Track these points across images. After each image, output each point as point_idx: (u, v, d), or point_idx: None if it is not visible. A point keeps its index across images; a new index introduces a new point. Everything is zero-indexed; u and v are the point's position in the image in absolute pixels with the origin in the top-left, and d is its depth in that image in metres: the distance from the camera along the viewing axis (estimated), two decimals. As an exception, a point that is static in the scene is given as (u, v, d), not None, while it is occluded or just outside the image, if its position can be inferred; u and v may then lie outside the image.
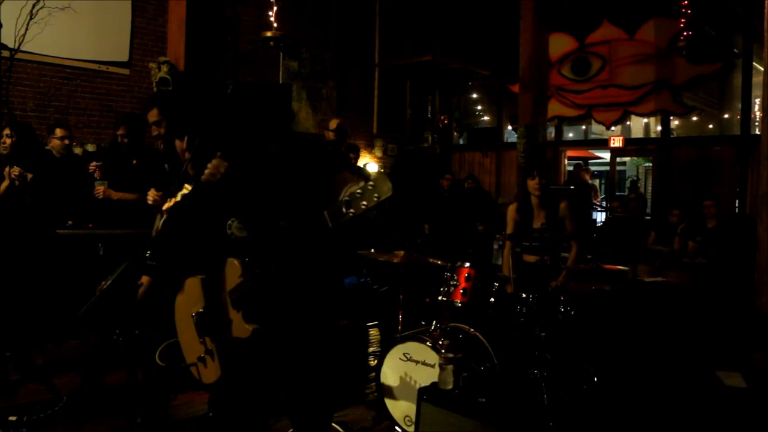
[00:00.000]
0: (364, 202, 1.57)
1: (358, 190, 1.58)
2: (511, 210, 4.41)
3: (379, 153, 10.09)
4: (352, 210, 1.58)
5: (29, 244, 4.19)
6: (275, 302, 1.93)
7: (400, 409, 3.29)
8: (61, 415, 3.37)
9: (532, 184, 4.16)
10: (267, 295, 1.90)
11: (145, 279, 2.56)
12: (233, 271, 1.94)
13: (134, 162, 4.41)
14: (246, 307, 1.91)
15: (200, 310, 2.05)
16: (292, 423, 2.19)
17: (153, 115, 3.21)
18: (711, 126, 10.36)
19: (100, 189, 4.34)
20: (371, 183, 1.58)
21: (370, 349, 4.83)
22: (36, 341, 4.43)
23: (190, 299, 2.09)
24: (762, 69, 7.80)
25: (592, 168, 13.94)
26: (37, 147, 4.66)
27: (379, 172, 1.76)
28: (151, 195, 3.17)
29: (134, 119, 4.52)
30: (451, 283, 3.60)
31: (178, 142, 2.22)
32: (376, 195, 1.56)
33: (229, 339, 1.95)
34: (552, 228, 3.91)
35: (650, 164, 10.55)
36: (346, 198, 1.59)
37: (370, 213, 1.62)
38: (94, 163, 4.48)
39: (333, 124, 4.39)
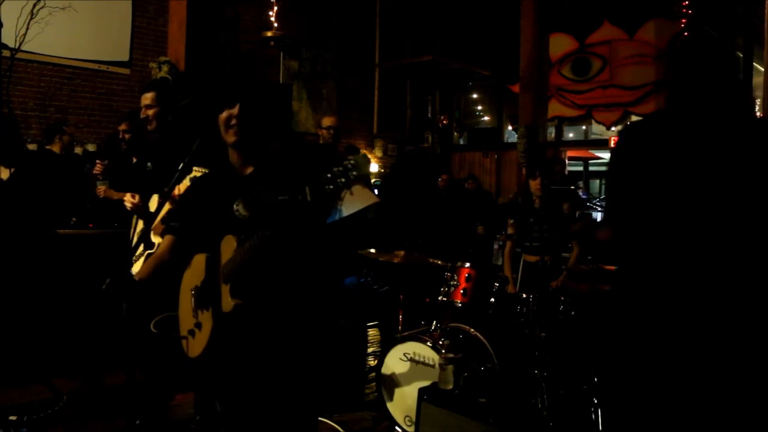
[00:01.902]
0: (342, 179, 1.65)
1: (339, 168, 1.66)
2: None
3: (379, 153, 10.09)
4: (330, 186, 1.66)
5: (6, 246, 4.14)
6: (258, 279, 1.96)
7: (400, 409, 3.29)
8: (62, 414, 3.37)
9: (534, 184, 4.17)
10: (251, 270, 1.93)
11: (167, 238, 2.60)
12: (229, 246, 2.00)
13: (134, 161, 4.41)
14: (232, 282, 1.95)
15: (198, 284, 2.11)
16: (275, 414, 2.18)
17: (148, 98, 3.16)
18: (711, 126, 10.37)
19: (101, 189, 4.33)
20: (352, 161, 1.66)
21: (370, 349, 4.83)
22: (36, 341, 4.43)
23: (194, 275, 2.15)
24: (762, 70, 7.80)
25: (593, 168, 13.93)
26: (19, 144, 4.60)
27: (362, 154, 1.83)
28: (128, 201, 3.11)
29: (138, 117, 4.51)
30: (452, 283, 3.60)
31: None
32: (354, 173, 1.66)
33: (219, 313, 2.00)
34: (554, 228, 3.92)
35: (650, 164, 10.53)
36: (328, 175, 1.67)
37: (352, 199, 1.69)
38: (99, 163, 4.48)
39: (326, 121, 4.37)
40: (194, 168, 2.64)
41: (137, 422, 3.13)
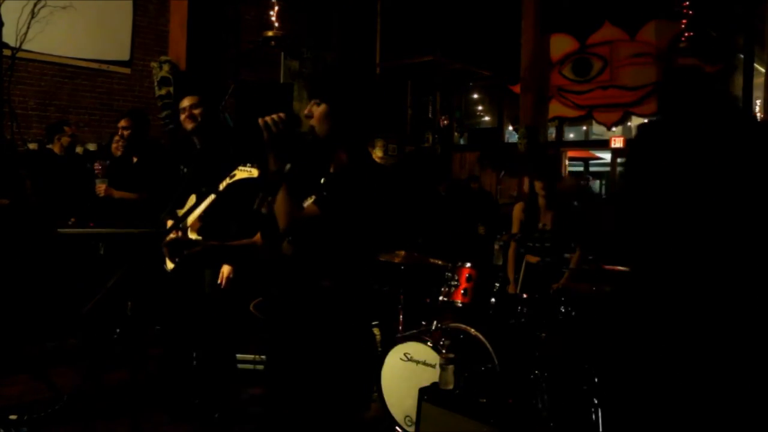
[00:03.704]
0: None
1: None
2: (517, 210, 4.39)
3: (379, 153, 10.09)
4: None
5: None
6: (287, 275, 1.97)
7: (401, 409, 3.29)
8: (62, 414, 3.37)
9: (539, 185, 4.15)
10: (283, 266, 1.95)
11: (313, 208, 2.61)
12: None
13: (135, 160, 4.41)
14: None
15: None
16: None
17: (189, 100, 3.19)
18: (712, 127, 10.38)
19: (101, 187, 4.33)
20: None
21: (371, 349, 4.83)
22: (37, 340, 4.44)
23: None
24: (763, 70, 7.81)
25: (593, 169, 13.95)
26: None
27: None
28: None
29: (139, 114, 4.52)
30: (452, 283, 3.60)
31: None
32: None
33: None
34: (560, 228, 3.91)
35: (651, 165, 10.52)
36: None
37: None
38: (98, 163, 4.48)
39: None
40: (240, 167, 2.65)
41: (216, 415, 3.14)
